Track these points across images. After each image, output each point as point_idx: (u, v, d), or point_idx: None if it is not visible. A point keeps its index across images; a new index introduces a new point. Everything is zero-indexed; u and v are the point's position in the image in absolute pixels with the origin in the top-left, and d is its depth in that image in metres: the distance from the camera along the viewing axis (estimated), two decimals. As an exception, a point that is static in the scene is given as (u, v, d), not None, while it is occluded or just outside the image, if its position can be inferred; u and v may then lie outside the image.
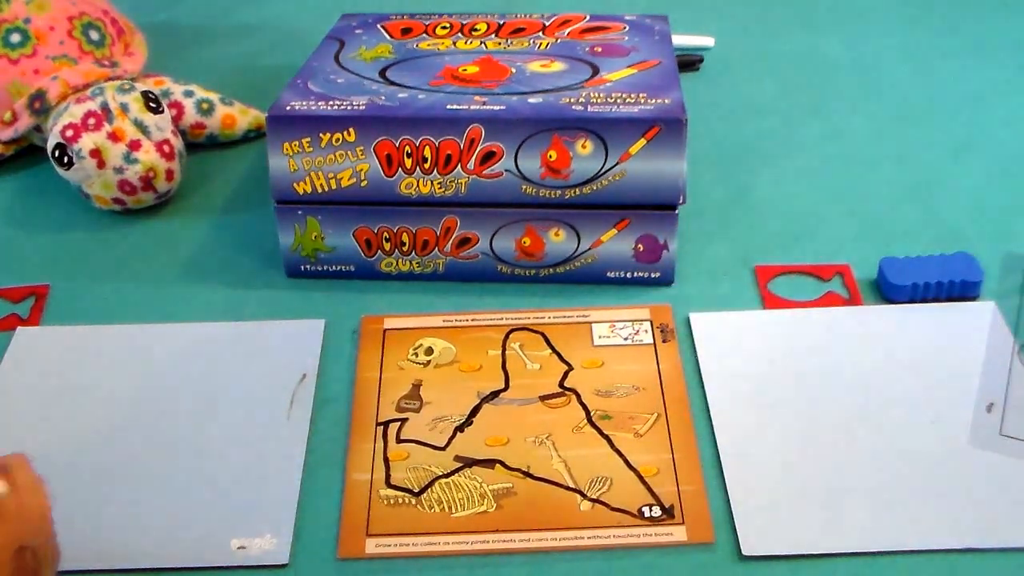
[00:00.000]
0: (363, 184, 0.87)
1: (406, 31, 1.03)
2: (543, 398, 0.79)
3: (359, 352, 0.84)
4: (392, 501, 0.71)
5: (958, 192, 1.01)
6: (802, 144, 1.11)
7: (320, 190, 0.87)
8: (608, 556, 0.68)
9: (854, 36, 1.33)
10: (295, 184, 0.87)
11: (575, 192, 0.86)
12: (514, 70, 0.94)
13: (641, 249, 0.88)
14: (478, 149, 0.85)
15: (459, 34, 1.02)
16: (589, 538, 0.68)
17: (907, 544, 0.67)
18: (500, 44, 1.00)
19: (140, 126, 0.98)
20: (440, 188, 0.86)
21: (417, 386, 0.81)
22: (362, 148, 0.86)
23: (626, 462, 0.74)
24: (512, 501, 0.71)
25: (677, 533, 0.68)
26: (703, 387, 0.79)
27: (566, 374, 0.81)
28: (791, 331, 0.84)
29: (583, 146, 0.84)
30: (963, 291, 0.86)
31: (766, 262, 0.92)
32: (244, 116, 1.13)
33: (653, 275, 0.90)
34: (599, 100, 0.86)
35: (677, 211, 0.87)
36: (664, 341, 0.84)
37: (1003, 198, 1.00)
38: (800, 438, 0.75)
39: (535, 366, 0.82)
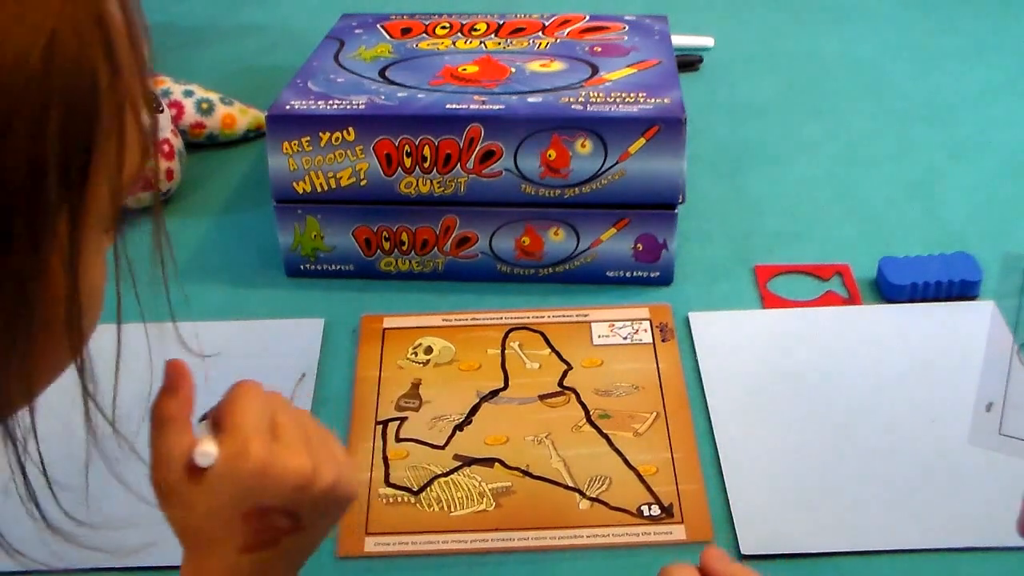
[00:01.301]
0: (363, 183, 0.87)
1: (406, 31, 1.04)
2: (542, 397, 0.79)
3: (358, 351, 0.84)
4: (391, 500, 0.71)
5: (958, 192, 1.01)
6: (802, 144, 1.11)
7: (320, 189, 0.88)
8: (607, 555, 0.67)
9: (854, 36, 1.33)
10: (295, 183, 0.87)
11: (574, 191, 0.86)
12: (514, 70, 0.94)
13: (640, 248, 0.88)
14: (477, 148, 0.85)
15: (459, 34, 1.02)
16: (588, 537, 0.68)
17: (906, 543, 0.67)
18: (500, 44, 1.00)
19: (140, 125, 0.98)
20: (439, 187, 0.86)
21: (416, 385, 0.81)
22: (361, 147, 0.86)
23: (625, 461, 0.73)
24: (511, 500, 0.71)
25: (676, 532, 0.68)
26: (702, 386, 0.79)
27: (565, 373, 0.81)
28: (790, 331, 0.84)
29: (582, 145, 0.84)
30: (962, 291, 0.86)
31: (765, 262, 0.92)
32: (244, 116, 1.13)
33: (652, 274, 0.90)
34: (598, 100, 0.86)
35: (676, 211, 0.87)
36: (663, 340, 0.84)
37: (1002, 198, 1.00)
38: (799, 437, 0.75)
39: (534, 365, 0.82)
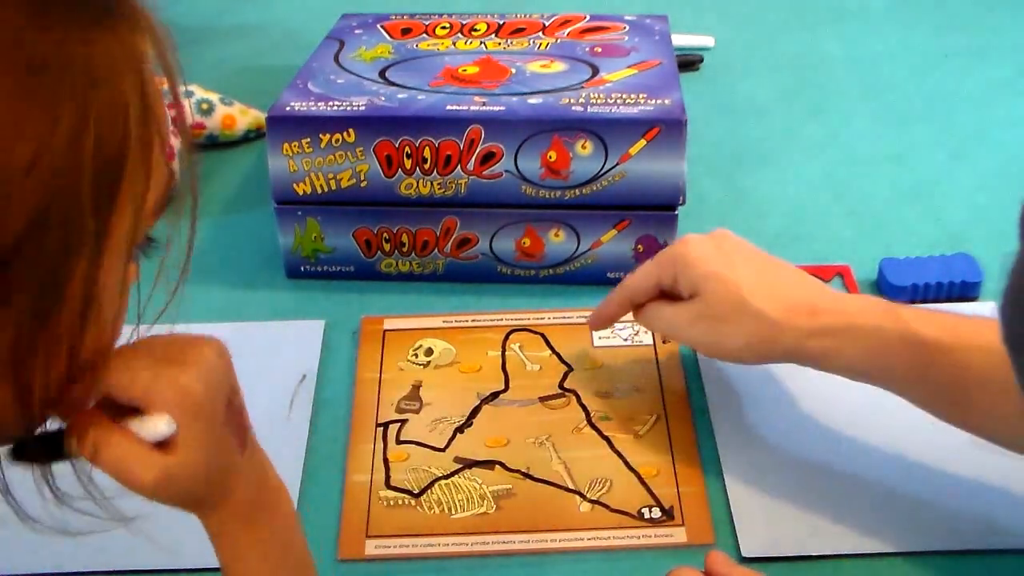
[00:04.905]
0: (363, 185, 0.87)
1: (406, 31, 1.03)
2: (543, 399, 0.79)
3: (359, 353, 0.84)
4: (392, 502, 0.71)
5: (958, 192, 1.01)
6: (802, 144, 1.11)
7: (320, 191, 0.87)
8: (608, 557, 0.67)
9: (854, 36, 1.33)
10: (295, 185, 0.87)
11: (575, 193, 0.86)
12: (514, 70, 0.94)
13: (641, 250, 0.88)
14: (478, 150, 0.85)
15: (459, 34, 1.02)
16: (589, 539, 0.68)
17: (907, 545, 0.67)
18: (500, 44, 1.00)
19: (140, 126, 0.98)
20: (440, 189, 0.86)
21: (417, 387, 0.81)
22: (362, 149, 0.86)
23: (626, 463, 0.73)
24: (512, 502, 0.71)
25: (677, 535, 0.68)
26: (703, 388, 0.79)
27: (566, 375, 0.81)
28: (791, 332, 0.84)
29: (583, 147, 0.84)
30: (963, 291, 0.86)
31: (766, 263, 0.92)
32: (244, 116, 1.13)
33: (653, 276, 0.90)
34: (599, 101, 0.86)
35: (677, 212, 0.87)
36: (664, 342, 0.84)
37: (1003, 198, 1.00)
38: (800, 439, 0.75)
39: (535, 367, 0.82)
